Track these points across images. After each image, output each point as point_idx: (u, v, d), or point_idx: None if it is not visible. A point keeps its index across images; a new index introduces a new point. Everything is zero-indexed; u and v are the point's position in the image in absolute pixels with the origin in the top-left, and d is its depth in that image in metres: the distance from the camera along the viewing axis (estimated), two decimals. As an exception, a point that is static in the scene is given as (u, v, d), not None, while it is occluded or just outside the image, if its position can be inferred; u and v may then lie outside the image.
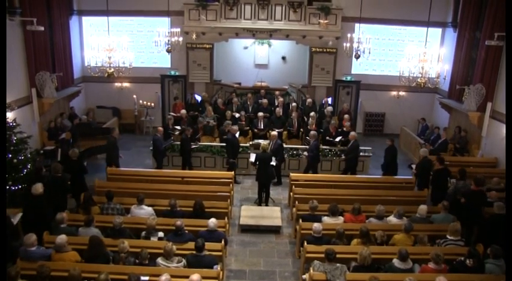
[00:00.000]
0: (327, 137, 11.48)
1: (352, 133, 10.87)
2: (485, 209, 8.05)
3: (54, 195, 8.04)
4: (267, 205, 9.78)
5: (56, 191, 8.16)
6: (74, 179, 8.84)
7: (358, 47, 11.68)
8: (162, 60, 14.65)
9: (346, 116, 12.53)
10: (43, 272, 5.51)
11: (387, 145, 10.67)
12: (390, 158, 10.65)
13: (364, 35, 11.66)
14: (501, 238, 6.65)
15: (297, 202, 8.66)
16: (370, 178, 10.43)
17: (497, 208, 7.31)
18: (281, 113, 12.39)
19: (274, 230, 8.80)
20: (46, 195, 7.58)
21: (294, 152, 11.27)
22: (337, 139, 11.51)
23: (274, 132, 10.78)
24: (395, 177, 10.47)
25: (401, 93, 15.16)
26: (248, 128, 12.31)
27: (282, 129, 12.17)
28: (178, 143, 11.04)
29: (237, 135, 10.93)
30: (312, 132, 10.80)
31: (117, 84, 14.98)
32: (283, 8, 14.05)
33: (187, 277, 5.59)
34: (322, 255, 6.31)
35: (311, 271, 6.28)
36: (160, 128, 10.95)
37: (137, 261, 6.20)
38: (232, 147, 10.49)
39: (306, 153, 10.78)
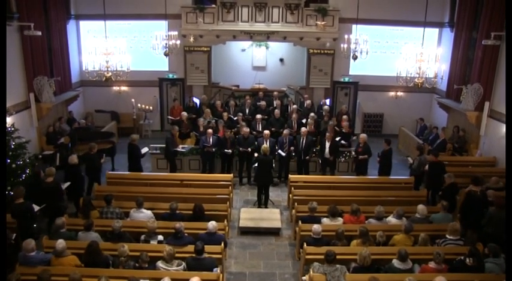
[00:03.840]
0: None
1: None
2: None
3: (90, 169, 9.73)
4: (266, 207, 9.78)
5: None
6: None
7: (355, 48, 11.72)
8: (160, 64, 14.65)
9: (344, 116, 12.55)
10: (43, 278, 5.50)
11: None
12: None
13: (362, 36, 11.70)
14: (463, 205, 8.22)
15: (296, 204, 8.66)
16: (369, 179, 10.44)
17: (448, 178, 8.73)
18: (279, 115, 12.40)
19: (274, 232, 8.79)
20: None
21: (293, 154, 11.25)
22: (336, 140, 11.51)
23: (267, 131, 10.81)
24: (395, 177, 10.49)
25: (400, 93, 15.19)
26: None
27: (281, 130, 12.18)
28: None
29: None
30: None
31: (115, 88, 14.98)
32: (280, 10, 14.07)
33: (187, 280, 5.59)
34: (322, 256, 6.30)
35: (311, 272, 6.28)
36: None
37: (137, 265, 6.19)
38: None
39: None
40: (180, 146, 11.31)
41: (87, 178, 9.77)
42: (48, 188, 8.15)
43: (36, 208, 7.75)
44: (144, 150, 10.95)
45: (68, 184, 8.83)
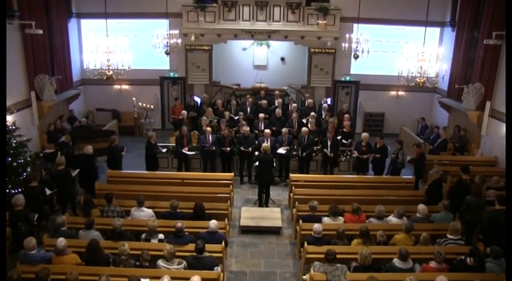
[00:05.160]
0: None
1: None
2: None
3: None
4: (267, 206, 9.78)
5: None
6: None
7: (356, 47, 11.71)
8: (161, 62, 14.65)
9: (346, 115, 12.54)
10: (41, 277, 5.51)
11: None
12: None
13: (363, 35, 11.68)
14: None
15: (297, 203, 8.65)
16: (369, 178, 10.44)
17: (435, 173, 9.06)
18: (281, 114, 12.40)
19: (275, 231, 8.79)
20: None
21: (294, 153, 11.24)
22: (337, 138, 11.51)
23: (268, 130, 10.80)
24: (396, 177, 10.48)
25: (401, 93, 15.18)
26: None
27: (281, 129, 12.17)
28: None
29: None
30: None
31: (117, 86, 14.99)
32: (282, 9, 14.06)
33: (188, 278, 5.59)
34: (323, 256, 6.30)
35: (311, 271, 6.28)
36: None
37: (138, 263, 6.20)
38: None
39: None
40: (186, 148, 10.96)
41: (107, 168, 10.32)
42: (59, 175, 8.77)
43: (48, 191, 8.49)
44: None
45: (77, 171, 9.46)
